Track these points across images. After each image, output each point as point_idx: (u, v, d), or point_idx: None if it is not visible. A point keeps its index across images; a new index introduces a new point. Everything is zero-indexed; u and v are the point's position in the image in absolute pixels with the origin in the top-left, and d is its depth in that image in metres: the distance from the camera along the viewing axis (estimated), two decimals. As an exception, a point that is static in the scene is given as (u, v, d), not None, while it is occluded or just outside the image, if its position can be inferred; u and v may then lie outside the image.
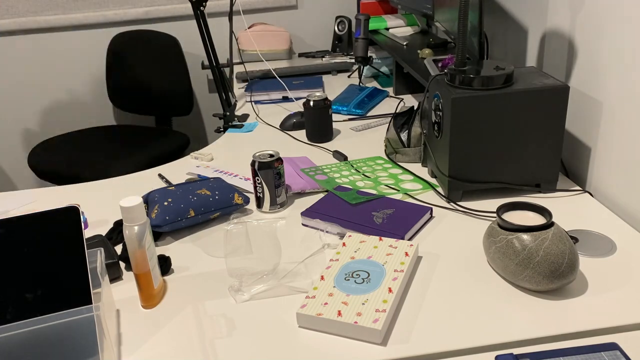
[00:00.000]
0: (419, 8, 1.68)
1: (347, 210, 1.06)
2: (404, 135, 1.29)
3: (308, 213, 1.07)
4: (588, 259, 0.90)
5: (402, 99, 1.75)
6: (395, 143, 1.29)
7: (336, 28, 2.37)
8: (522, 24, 1.38)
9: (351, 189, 1.15)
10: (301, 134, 1.52)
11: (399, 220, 1.01)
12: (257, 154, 1.11)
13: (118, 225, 1.07)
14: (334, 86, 1.94)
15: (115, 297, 0.90)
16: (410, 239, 0.99)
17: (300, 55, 2.43)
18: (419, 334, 0.77)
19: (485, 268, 0.90)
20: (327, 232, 1.03)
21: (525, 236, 0.81)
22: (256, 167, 1.09)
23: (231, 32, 1.87)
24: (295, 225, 1.07)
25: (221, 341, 0.78)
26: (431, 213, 1.06)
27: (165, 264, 0.94)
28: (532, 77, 1.08)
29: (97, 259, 0.79)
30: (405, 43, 1.89)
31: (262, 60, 2.16)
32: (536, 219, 0.86)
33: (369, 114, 1.65)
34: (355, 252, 0.91)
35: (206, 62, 1.89)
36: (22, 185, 2.71)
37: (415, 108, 1.37)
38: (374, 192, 1.15)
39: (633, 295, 0.81)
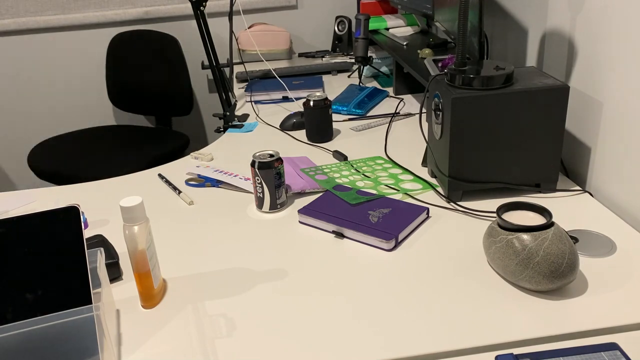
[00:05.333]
0: (419, 8, 1.68)
1: (343, 208, 1.06)
2: None
3: (305, 211, 1.07)
4: (588, 259, 0.90)
5: (402, 99, 1.75)
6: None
7: (336, 28, 2.37)
8: (522, 24, 1.38)
9: (351, 188, 1.15)
10: (301, 134, 1.52)
11: (394, 219, 1.02)
12: (257, 154, 1.11)
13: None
14: (334, 86, 1.94)
15: (115, 297, 0.90)
16: (405, 238, 0.99)
17: (300, 55, 2.42)
18: (419, 334, 0.77)
19: (485, 268, 0.90)
20: (323, 229, 1.03)
21: (525, 236, 0.81)
22: (256, 167, 1.09)
23: (231, 32, 1.87)
24: (295, 224, 1.07)
25: (221, 341, 0.78)
26: (428, 213, 1.06)
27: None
28: (532, 77, 1.08)
29: (97, 259, 0.79)
30: (405, 43, 1.89)
31: (262, 60, 2.17)
32: (536, 219, 0.86)
33: (369, 114, 1.65)
34: None
35: (206, 62, 1.89)
36: (22, 185, 2.71)
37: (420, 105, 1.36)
38: (374, 192, 1.15)
39: (633, 295, 0.81)
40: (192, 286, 0.91)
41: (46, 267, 0.72)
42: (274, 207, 1.12)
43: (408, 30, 2.08)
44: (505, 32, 1.48)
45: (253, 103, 1.82)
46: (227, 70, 2.36)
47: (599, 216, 1.02)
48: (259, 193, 1.11)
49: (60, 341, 0.68)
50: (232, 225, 1.08)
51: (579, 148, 1.17)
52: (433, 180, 1.19)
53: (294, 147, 1.44)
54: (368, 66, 1.94)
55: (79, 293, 0.71)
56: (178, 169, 1.35)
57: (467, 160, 1.06)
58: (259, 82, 1.97)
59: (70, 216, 0.74)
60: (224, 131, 1.61)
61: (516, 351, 0.73)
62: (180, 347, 0.78)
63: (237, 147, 1.48)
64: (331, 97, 1.78)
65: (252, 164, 1.10)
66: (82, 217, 0.74)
